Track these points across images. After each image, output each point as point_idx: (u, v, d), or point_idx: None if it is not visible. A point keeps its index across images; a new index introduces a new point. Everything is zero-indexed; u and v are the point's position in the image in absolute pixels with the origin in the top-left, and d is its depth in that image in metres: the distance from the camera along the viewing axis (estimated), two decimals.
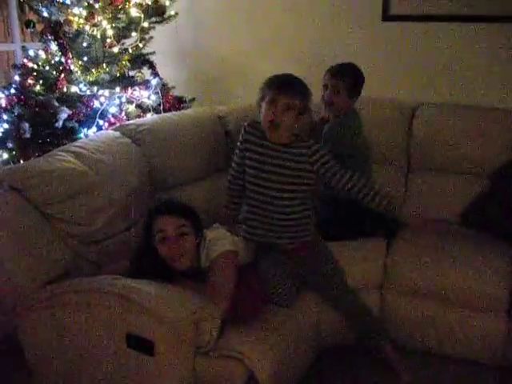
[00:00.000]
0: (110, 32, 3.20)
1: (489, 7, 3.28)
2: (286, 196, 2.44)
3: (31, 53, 3.27)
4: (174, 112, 3.27)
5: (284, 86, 2.36)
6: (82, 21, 3.14)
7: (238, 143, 2.54)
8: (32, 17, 3.41)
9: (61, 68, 3.15)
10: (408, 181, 3.34)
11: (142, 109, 3.31)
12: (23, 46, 3.44)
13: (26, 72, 3.23)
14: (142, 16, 3.28)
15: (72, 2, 3.15)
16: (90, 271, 2.29)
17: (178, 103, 3.45)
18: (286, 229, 2.49)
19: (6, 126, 3.14)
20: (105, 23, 3.16)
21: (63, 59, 3.14)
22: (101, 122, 3.10)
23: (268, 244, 2.49)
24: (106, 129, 3.02)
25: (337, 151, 2.71)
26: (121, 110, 3.19)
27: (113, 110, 3.15)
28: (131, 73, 3.38)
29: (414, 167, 3.36)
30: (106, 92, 3.17)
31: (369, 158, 3.03)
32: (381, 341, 2.57)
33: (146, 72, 3.47)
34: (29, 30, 3.32)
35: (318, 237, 2.64)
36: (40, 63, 3.25)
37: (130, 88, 3.25)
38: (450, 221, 3.14)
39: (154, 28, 3.44)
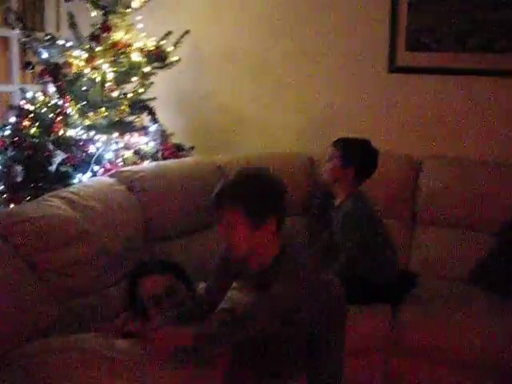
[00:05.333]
0: (110, 76, 3.13)
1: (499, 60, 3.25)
2: None
3: (29, 94, 3.21)
4: (172, 160, 3.17)
5: None
6: (81, 63, 3.08)
7: None
8: (33, 58, 3.36)
9: (58, 111, 3.07)
10: (413, 235, 3.25)
11: (140, 155, 3.21)
12: (21, 88, 3.36)
13: (22, 113, 3.14)
14: (144, 60, 3.21)
15: (73, 45, 3.11)
16: (76, 326, 2.11)
17: (177, 151, 3.36)
18: None
19: None
20: (105, 66, 3.09)
21: (61, 102, 3.06)
22: (96, 168, 2.99)
23: None
24: (101, 175, 2.91)
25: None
26: (117, 156, 3.09)
27: (109, 155, 3.05)
28: (130, 118, 3.28)
29: (420, 222, 3.27)
30: (103, 137, 3.07)
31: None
32: None
33: (145, 118, 3.38)
34: (27, 71, 3.26)
35: None
36: (37, 105, 3.17)
37: (127, 134, 3.16)
38: (456, 278, 3.03)
39: (155, 74, 3.37)
